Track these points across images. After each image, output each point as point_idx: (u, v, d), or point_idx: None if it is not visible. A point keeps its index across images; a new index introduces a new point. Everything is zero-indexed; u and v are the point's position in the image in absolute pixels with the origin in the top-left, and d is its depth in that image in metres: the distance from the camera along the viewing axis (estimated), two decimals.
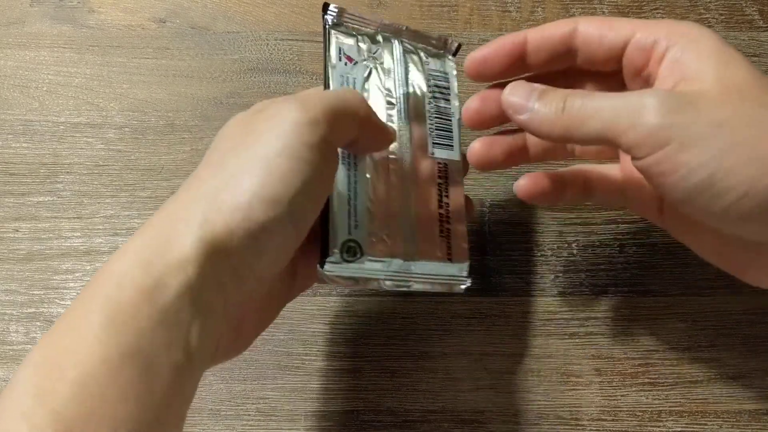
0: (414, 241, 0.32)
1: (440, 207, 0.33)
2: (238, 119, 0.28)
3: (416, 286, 0.32)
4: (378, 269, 0.31)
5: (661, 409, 0.37)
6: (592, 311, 0.38)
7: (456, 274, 0.33)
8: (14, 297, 0.39)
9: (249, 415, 0.37)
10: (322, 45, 0.33)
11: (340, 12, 0.34)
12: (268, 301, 0.31)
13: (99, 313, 0.22)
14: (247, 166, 0.25)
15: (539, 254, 0.40)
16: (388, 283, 0.31)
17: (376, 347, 0.38)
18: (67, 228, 0.41)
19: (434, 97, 0.35)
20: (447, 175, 0.34)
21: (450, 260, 0.33)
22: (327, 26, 0.33)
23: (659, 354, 0.38)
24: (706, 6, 0.45)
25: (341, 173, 0.31)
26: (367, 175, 0.32)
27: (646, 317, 0.38)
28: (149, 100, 0.43)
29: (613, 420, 0.36)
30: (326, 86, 0.32)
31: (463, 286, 0.33)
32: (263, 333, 0.31)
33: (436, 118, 0.35)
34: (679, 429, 0.36)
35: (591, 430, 0.36)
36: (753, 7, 0.44)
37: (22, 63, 0.44)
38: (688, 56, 0.28)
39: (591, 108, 0.27)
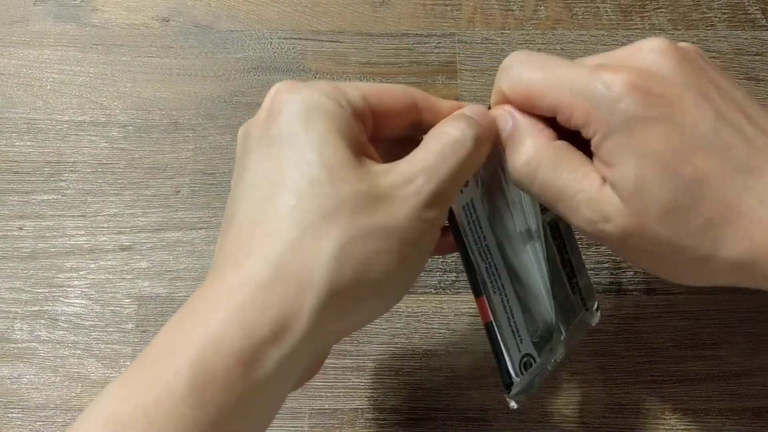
0: (553, 308, 0.32)
1: (564, 266, 0.32)
2: None
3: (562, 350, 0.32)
4: (545, 359, 0.31)
5: (665, 406, 0.37)
6: None
7: (590, 314, 0.34)
8: (18, 295, 0.39)
9: None
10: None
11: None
12: None
13: (186, 376, 0.21)
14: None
15: None
16: (550, 365, 0.32)
17: (381, 345, 0.38)
18: (72, 226, 0.41)
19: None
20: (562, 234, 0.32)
21: (587, 309, 0.34)
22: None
23: (663, 352, 0.38)
24: (709, 5, 0.45)
25: (497, 301, 0.29)
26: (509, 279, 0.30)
27: (649, 315, 0.38)
28: (153, 98, 0.43)
29: (617, 417, 0.36)
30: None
31: (595, 320, 0.34)
32: None
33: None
34: (683, 427, 0.36)
35: (595, 427, 0.36)
36: (756, 6, 0.44)
37: (25, 61, 0.44)
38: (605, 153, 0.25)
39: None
